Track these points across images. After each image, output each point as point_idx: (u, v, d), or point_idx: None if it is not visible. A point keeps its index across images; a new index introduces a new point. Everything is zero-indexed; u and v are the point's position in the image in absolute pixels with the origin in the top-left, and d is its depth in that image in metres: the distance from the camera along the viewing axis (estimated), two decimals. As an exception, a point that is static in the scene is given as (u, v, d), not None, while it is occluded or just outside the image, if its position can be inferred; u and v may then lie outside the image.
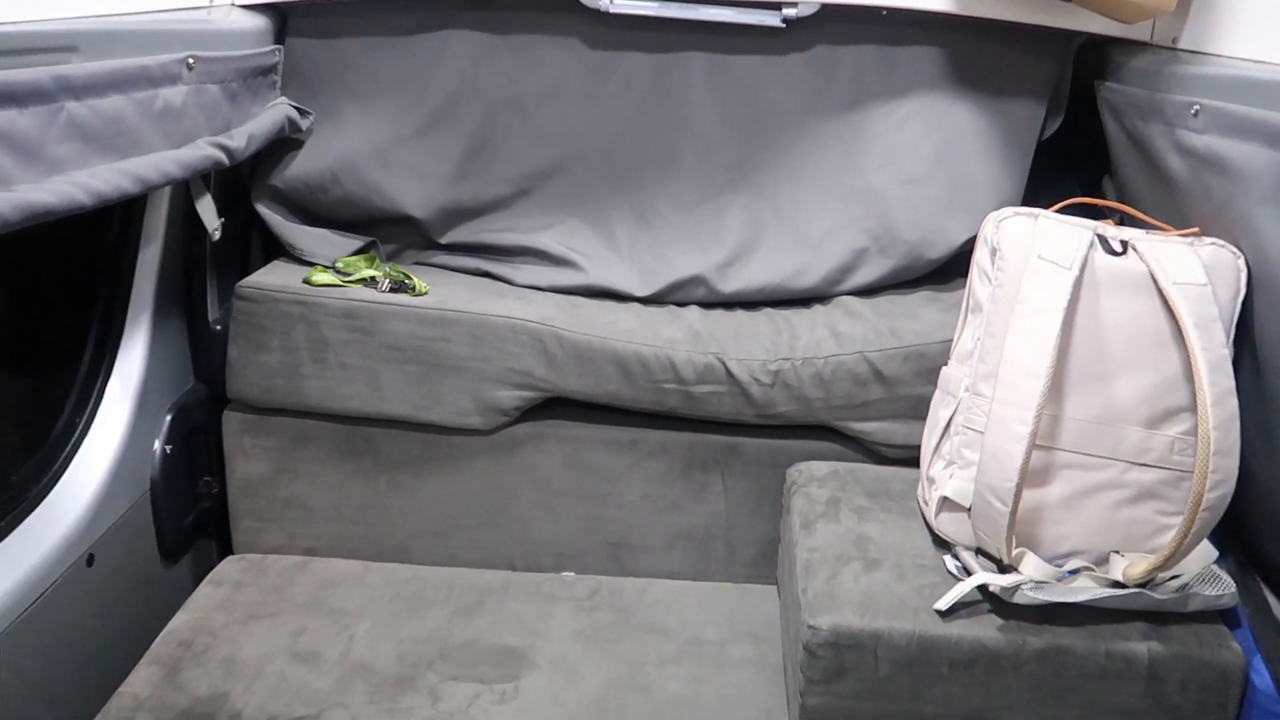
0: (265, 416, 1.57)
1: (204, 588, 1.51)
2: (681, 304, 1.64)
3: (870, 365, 1.48)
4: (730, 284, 1.63)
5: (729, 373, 1.49)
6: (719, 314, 1.62)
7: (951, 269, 1.64)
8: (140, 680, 1.31)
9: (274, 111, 1.47)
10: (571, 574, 1.60)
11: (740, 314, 1.62)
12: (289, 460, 1.58)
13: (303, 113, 1.54)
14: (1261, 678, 1.12)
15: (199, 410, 1.59)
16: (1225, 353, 1.11)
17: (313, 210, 1.63)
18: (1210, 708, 1.13)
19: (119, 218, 1.43)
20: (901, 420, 1.50)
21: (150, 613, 1.46)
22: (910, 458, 1.45)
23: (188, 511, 1.59)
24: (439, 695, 1.32)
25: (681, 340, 1.51)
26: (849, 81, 1.59)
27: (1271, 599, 1.21)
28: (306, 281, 1.54)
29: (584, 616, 1.49)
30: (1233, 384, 1.10)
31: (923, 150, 1.60)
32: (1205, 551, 1.17)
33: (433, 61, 1.57)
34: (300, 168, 1.58)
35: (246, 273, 1.58)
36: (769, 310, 1.63)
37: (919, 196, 1.60)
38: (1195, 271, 1.15)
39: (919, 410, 1.44)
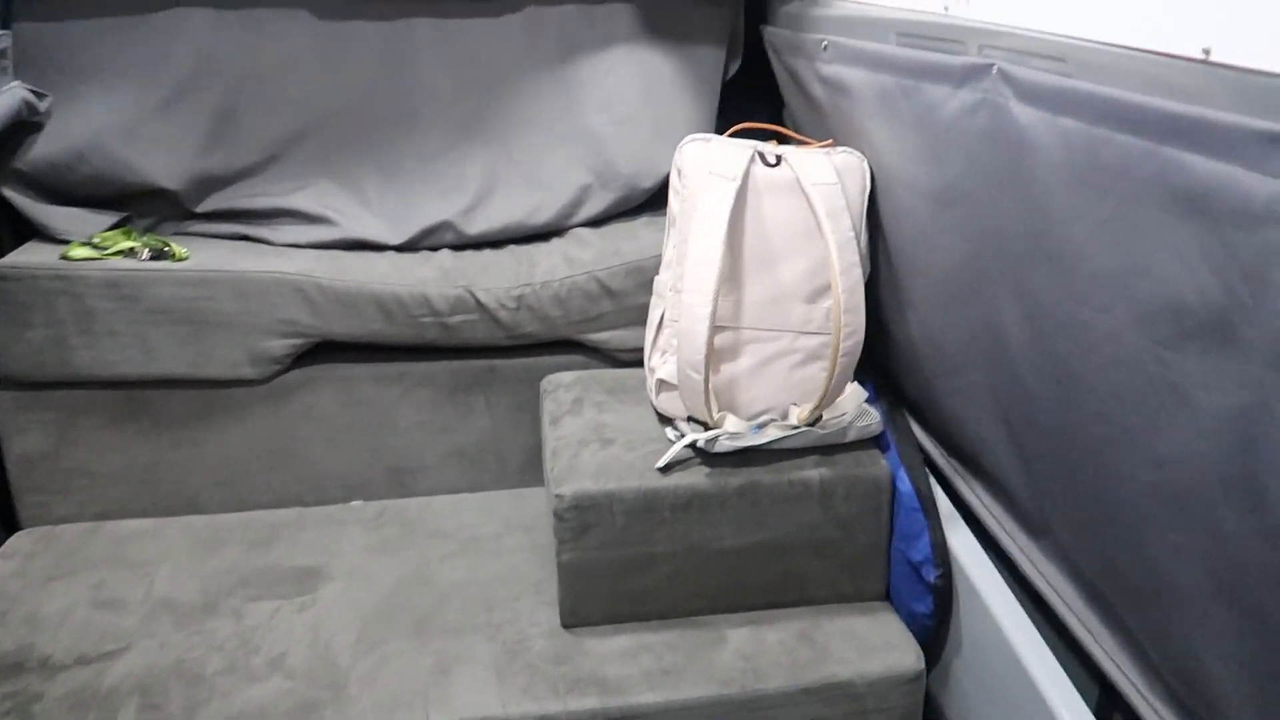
0: (38, 392, 1.63)
1: (-5, 561, 1.57)
2: (434, 249, 1.81)
3: (599, 283, 1.72)
4: (475, 226, 1.82)
5: (478, 302, 1.68)
6: (468, 254, 1.80)
7: (664, 195, 1.89)
8: (-59, 646, 1.38)
9: (8, 95, 1.52)
10: (359, 501, 1.76)
11: (487, 252, 1.81)
12: (68, 431, 1.65)
13: (39, 95, 1.60)
14: (904, 485, 1.45)
15: None
16: (851, 235, 1.41)
17: (63, 190, 1.68)
18: (868, 512, 1.44)
19: None
20: (630, 327, 1.74)
21: None
22: (641, 359, 1.70)
23: None
24: (242, 614, 1.47)
25: (433, 278, 1.69)
26: (558, 37, 1.80)
27: (914, 425, 1.54)
28: (64, 257, 1.60)
29: (373, 534, 1.66)
30: (857, 259, 1.40)
31: (629, 93, 1.84)
32: (858, 394, 1.48)
33: (168, 38, 1.66)
34: (44, 149, 1.63)
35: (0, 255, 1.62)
36: (512, 246, 1.84)
37: (630, 135, 1.84)
38: (828, 174, 1.45)
39: (643, 317, 1.69)
